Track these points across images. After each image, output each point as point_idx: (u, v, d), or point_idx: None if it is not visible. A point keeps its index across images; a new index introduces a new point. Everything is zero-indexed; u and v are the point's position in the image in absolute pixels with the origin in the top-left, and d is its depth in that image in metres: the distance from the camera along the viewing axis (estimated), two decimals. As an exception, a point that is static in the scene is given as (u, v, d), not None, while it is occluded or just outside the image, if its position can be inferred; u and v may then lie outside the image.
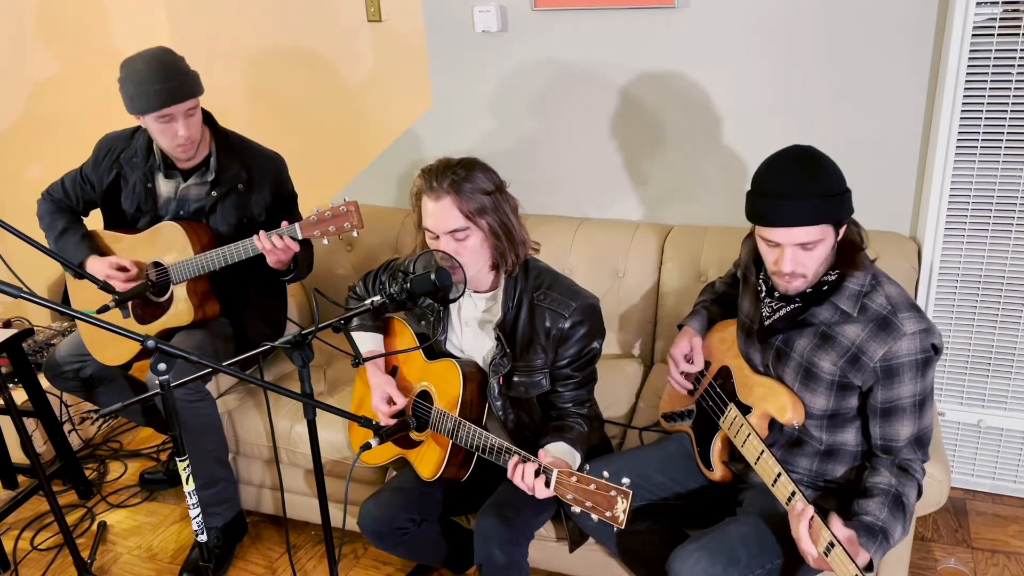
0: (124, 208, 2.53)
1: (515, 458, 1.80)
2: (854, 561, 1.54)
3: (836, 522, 1.61)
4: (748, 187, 1.73)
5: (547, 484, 1.73)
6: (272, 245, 2.23)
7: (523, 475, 1.76)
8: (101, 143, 2.54)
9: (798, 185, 1.63)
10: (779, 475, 1.71)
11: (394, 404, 2.13)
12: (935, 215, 2.36)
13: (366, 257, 2.94)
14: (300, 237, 2.21)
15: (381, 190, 3.11)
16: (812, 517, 1.60)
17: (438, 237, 1.91)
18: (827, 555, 1.58)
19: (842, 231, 1.71)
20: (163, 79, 2.25)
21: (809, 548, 1.60)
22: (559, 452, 1.91)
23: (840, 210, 1.66)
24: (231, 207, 2.44)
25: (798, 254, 1.67)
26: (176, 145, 2.34)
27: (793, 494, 1.66)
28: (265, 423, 2.52)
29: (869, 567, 1.64)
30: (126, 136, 2.51)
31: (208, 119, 2.45)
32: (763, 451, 1.76)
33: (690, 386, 2.07)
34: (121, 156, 2.49)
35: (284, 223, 2.25)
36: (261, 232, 2.24)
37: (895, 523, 1.67)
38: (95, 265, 2.45)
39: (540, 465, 1.75)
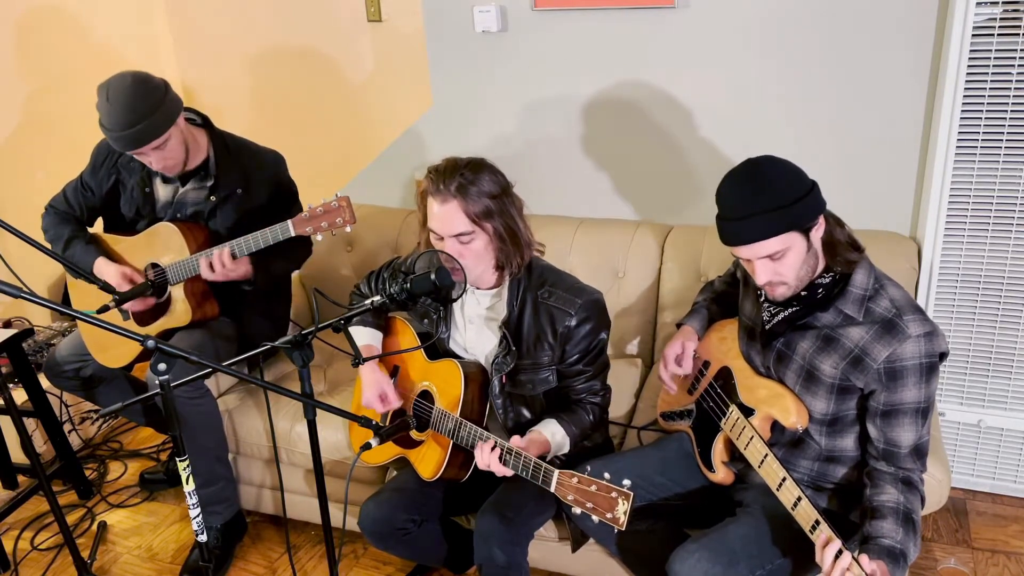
0: (123, 212, 2.53)
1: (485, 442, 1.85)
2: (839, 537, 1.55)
3: (864, 559, 1.57)
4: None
5: (547, 484, 1.74)
6: (210, 270, 2.28)
7: (482, 453, 1.84)
8: (99, 148, 2.53)
9: (747, 203, 1.64)
10: (783, 480, 1.70)
11: (388, 403, 2.13)
12: (935, 215, 2.36)
13: (366, 257, 2.94)
14: (293, 234, 2.21)
15: (381, 190, 3.11)
16: (840, 551, 1.55)
17: (443, 239, 1.91)
18: (812, 532, 1.60)
19: (816, 232, 1.69)
20: (125, 125, 2.18)
21: None
22: (542, 428, 1.96)
23: (799, 216, 1.64)
24: (230, 211, 2.44)
25: (768, 265, 1.68)
26: (156, 170, 2.37)
27: (799, 500, 1.66)
28: (265, 423, 2.52)
29: None
30: None
31: (205, 122, 2.45)
32: (767, 455, 1.75)
33: (675, 388, 2.07)
34: (119, 161, 2.49)
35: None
36: (202, 257, 2.30)
37: (909, 541, 1.65)
38: (104, 268, 2.45)
39: (496, 443, 1.83)
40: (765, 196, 1.63)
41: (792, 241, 1.66)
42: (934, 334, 1.68)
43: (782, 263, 1.68)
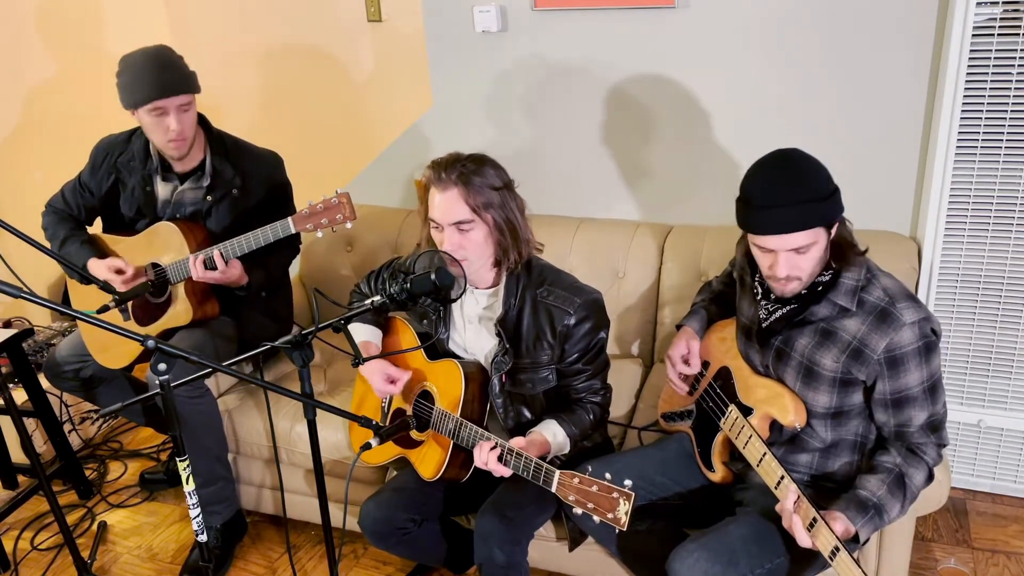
0: (123, 212, 2.52)
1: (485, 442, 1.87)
2: (835, 534, 1.58)
3: (833, 519, 1.62)
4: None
5: (548, 484, 1.74)
6: (200, 273, 2.29)
7: (481, 451, 1.85)
8: (98, 148, 2.53)
9: (786, 192, 1.63)
10: (782, 478, 1.71)
11: (397, 381, 2.11)
12: (935, 215, 2.36)
13: (366, 257, 2.94)
14: (293, 230, 2.21)
15: (381, 190, 3.11)
16: (799, 496, 1.63)
17: (443, 229, 1.92)
18: (810, 530, 1.61)
19: (834, 230, 1.71)
20: (158, 71, 2.27)
21: (799, 529, 1.62)
22: (542, 428, 1.96)
23: (830, 211, 1.66)
24: (226, 211, 2.44)
25: (792, 258, 1.68)
26: (168, 140, 2.33)
27: (798, 498, 1.66)
28: (265, 423, 2.52)
29: (856, 539, 1.67)
30: (123, 140, 2.51)
31: (203, 122, 2.45)
32: (765, 453, 1.76)
33: (687, 388, 2.07)
34: (118, 160, 2.48)
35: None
36: (190, 257, 2.31)
37: (893, 501, 1.68)
38: (95, 267, 2.45)
39: (496, 443, 1.84)
40: (801, 187, 1.63)
41: (818, 236, 1.66)
42: (928, 319, 1.69)
43: (805, 257, 1.68)
